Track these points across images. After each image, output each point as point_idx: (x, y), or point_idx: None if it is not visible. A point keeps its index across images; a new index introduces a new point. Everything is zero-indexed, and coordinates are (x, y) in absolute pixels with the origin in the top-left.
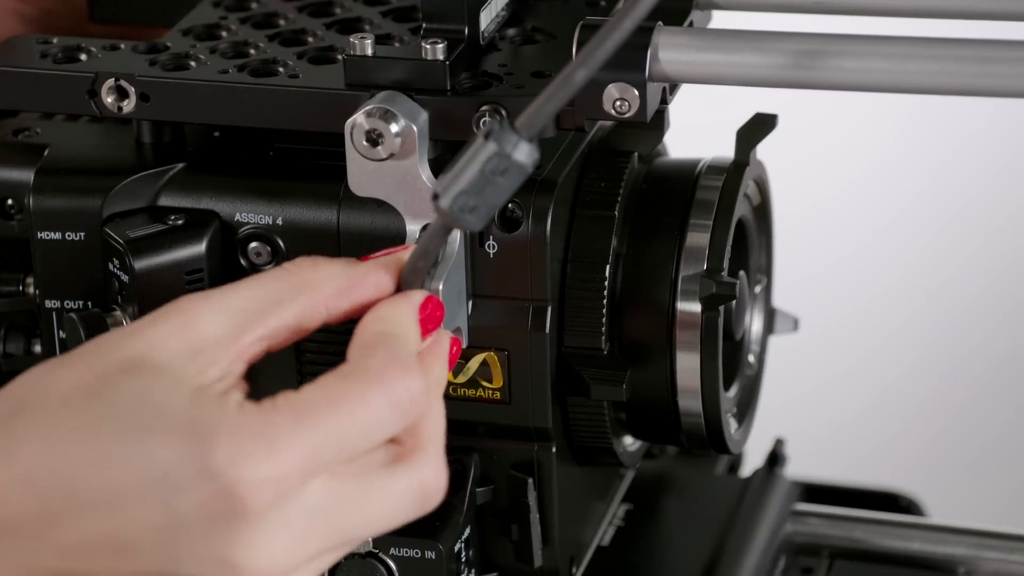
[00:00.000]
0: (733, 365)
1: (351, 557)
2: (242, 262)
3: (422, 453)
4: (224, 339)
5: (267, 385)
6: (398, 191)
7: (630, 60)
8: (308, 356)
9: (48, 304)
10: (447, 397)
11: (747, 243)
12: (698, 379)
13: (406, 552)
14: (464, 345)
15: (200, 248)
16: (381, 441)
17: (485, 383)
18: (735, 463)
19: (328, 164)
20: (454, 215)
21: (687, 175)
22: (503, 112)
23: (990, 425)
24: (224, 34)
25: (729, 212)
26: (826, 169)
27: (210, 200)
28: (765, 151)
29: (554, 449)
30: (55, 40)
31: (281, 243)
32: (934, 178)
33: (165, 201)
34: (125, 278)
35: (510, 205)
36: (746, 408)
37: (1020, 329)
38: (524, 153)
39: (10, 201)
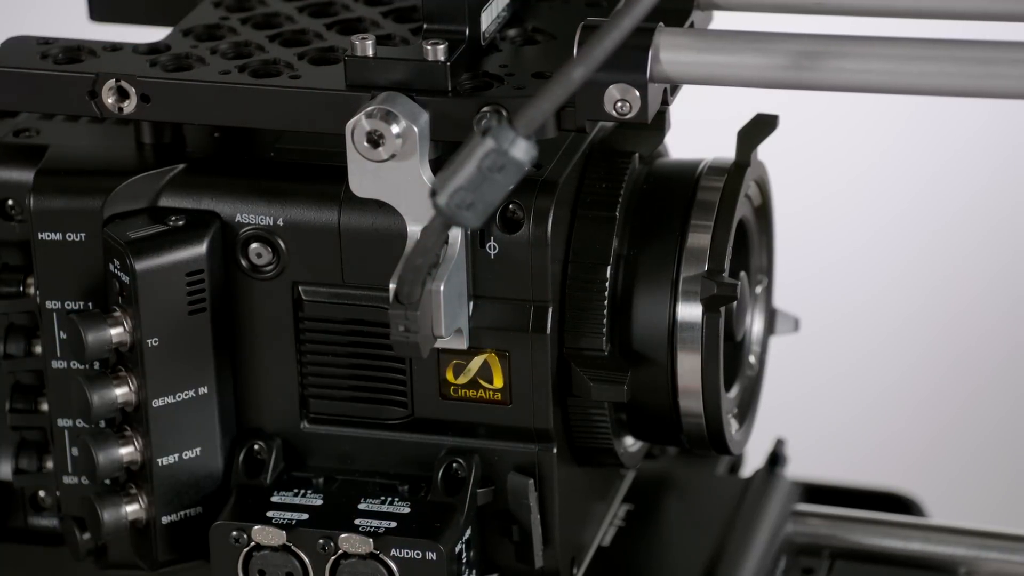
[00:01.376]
0: (734, 366)
1: (352, 557)
2: (243, 263)
3: None
4: None
5: (268, 386)
6: (399, 192)
7: (631, 61)
8: (308, 357)
9: (49, 305)
10: (448, 398)
11: (748, 244)
12: (699, 380)
13: (407, 553)
14: (465, 346)
15: (201, 249)
16: None
17: (486, 384)
18: (736, 464)
19: (329, 165)
20: (451, 212)
21: (688, 176)
22: (503, 112)
23: (990, 425)
24: (225, 35)
25: (730, 213)
26: (826, 169)
27: (211, 201)
28: (766, 151)
29: (555, 450)
30: (56, 41)
31: (282, 244)
32: (934, 178)
33: (166, 202)
34: (126, 279)
35: (511, 206)
36: (747, 409)
37: (1020, 329)
38: (522, 150)
39: (10, 202)
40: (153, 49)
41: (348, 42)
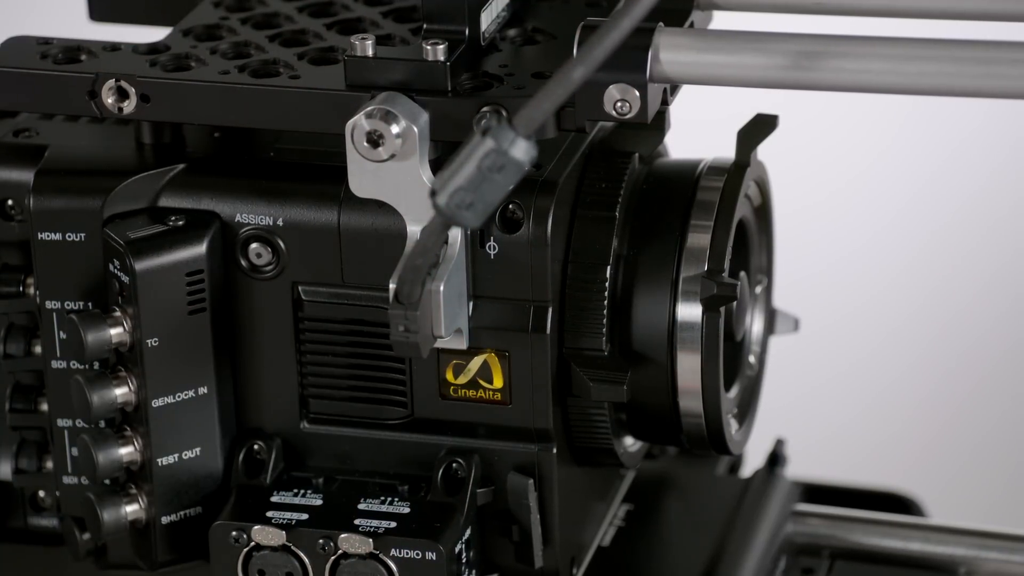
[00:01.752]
0: (734, 366)
1: (351, 557)
2: (243, 263)
3: None
4: None
5: (268, 386)
6: (399, 192)
7: (631, 61)
8: (308, 357)
9: (48, 305)
10: (448, 398)
11: (748, 244)
12: (699, 380)
13: (407, 553)
14: (465, 346)
15: (201, 249)
16: None
17: (486, 384)
18: (736, 464)
19: (329, 165)
20: (451, 212)
21: (688, 176)
22: (503, 112)
23: (990, 425)
24: (225, 35)
25: (730, 213)
26: (826, 169)
27: (210, 201)
28: (765, 151)
29: (555, 450)
30: (55, 41)
31: (282, 244)
32: (933, 178)
33: (165, 202)
34: (125, 279)
35: (511, 206)
36: (747, 409)
37: (1019, 329)
38: (521, 150)
39: (10, 202)
40: (153, 49)
41: (348, 42)
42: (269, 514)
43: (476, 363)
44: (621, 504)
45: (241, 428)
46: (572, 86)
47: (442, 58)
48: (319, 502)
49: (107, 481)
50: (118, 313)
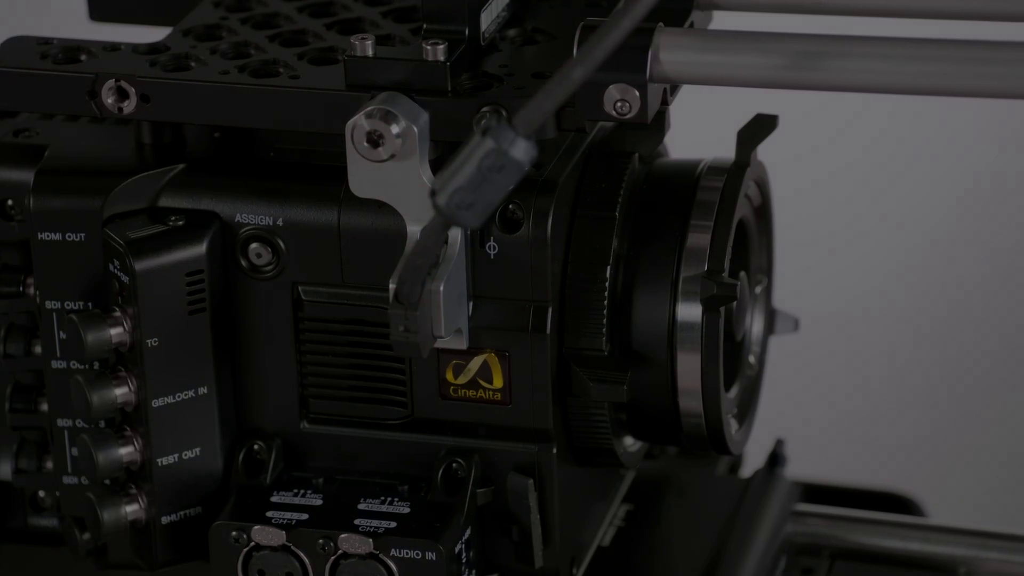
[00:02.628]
0: (734, 366)
1: (351, 557)
2: (243, 263)
3: None
4: None
5: (268, 386)
6: (399, 192)
7: (631, 61)
8: (308, 357)
9: (48, 305)
10: (448, 398)
11: (748, 244)
12: (699, 380)
13: (407, 553)
14: (465, 346)
15: (200, 249)
16: None
17: (486, 384)
18: (735, 464)
19: (329, 165)
20: (451, 212)
21: (688, 176)
22: (503, 112)
23: (991, 425)
24: (224, 35)
25: (730, 213)
26: (826, 169)
27: (210, 201)
28: (765, 151)
29: (555, 450)
30: (55, 41)
31: (282, 244)
32: (934, 179)
33: (165, 202)
34: (125, 279)
35: (511, 206)
36: (747, 409)
37: (1020, 329)
38: (521, 150)
39: (10, 202)
40: (153, 49)
41: (348, 42)
42: (269, 514)
43: (476, 363)
44: (621, 504)
45: (241, 428)
46: (572, 86)
47: (442, 58)
48: (319, 502)
49: (107, 481)
50: (118, 313)
